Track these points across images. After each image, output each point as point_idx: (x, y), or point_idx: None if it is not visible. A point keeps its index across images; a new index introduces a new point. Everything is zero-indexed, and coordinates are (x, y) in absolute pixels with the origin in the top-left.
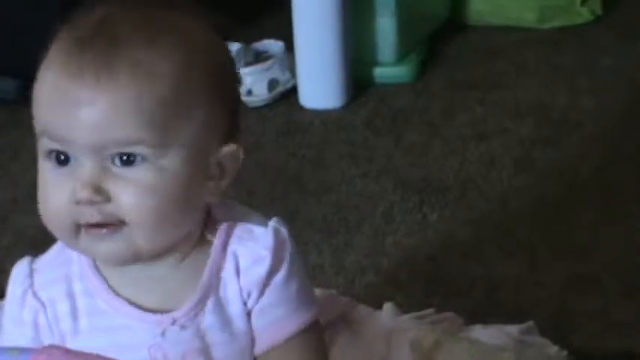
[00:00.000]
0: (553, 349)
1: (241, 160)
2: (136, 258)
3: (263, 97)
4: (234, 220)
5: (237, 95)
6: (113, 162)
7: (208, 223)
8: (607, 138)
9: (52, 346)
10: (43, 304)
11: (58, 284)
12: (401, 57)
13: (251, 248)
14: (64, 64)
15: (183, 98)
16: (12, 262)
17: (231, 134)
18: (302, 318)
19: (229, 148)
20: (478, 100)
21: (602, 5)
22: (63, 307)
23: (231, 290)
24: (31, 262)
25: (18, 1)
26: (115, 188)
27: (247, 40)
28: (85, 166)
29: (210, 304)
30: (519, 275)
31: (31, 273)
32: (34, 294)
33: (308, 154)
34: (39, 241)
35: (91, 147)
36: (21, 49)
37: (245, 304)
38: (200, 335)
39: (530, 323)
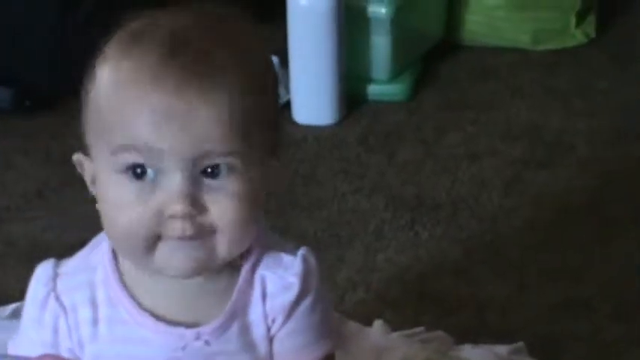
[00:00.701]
0: None
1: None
2: (206, 268)
3: None
4: (265, 245)
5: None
6: (202, 174)
7: None
8: (600, 160)
9: (46, 355)
10: (64, 308)
11: (81, 290)
12: (395, 75)
13: (280, 275)
14: (155, 79)
15: (260, 111)
16: (3, 272)
17: (276, 149)
18: (322, 348)
19: (274, 161)
20: (471, 121)
21: (596, 28)
22: (84, 314)
23: (256, 314)
24: (55, 266)
25: (15, 11)
26: (208, 199)
27: None
28: (175, 179)
29: (236, 325)
30: (509, 296)
31: (54, 276)
32: (57, 298)
33: (300, 169)
34: (30, 251)
35: (187, 160)
36: (17, 58)
37: (269, 329)
38: (222, 355)
39: (520, 344)
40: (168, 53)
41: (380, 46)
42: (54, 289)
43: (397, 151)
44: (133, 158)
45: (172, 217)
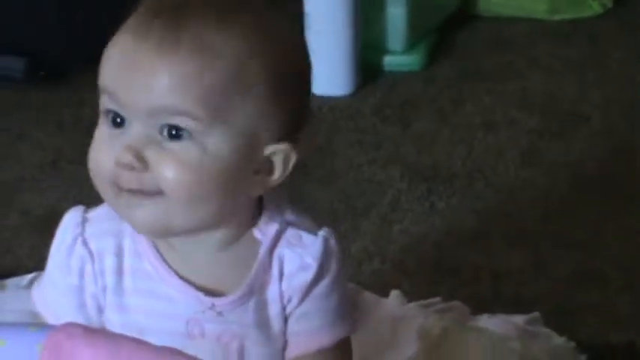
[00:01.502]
0: (559, 339)
1: (293, 162)
2: (168, 231)
3: None
4: (286, 222)
5: (305, 99)
6: (161, 133)
7: (259, 221)
8: (615, 131)
9: (71, 324)
10: (91, 254)
11: (108, 238)
12: (410, 46)
13: (298, 254)
14: (134, 29)
15: (240, 84)
16: (19, 242)
17: (289, 133)
18: (337, 332)
19: (281, 146)
20: (487, 90)
21: None
22: (109, 263)
23: (272, 292)
24: (84, 212)
25: None
26: (155, 158)
27: None
28: (132, 131)
29: (253, 301)
30: (524, 266)
31: (83, 222)
32: (84, 242)
33: (318, 137)
34: (45, 221)
35: (143, 111)
36: (29, 28)
37: (284, 308)
38: (237, 325)
39: (536, 314)
40: (152, 9)
41: (395, 17)
42: (82, 233)
43: (413, 121)
44: (107, 103)
45: (121, 166)
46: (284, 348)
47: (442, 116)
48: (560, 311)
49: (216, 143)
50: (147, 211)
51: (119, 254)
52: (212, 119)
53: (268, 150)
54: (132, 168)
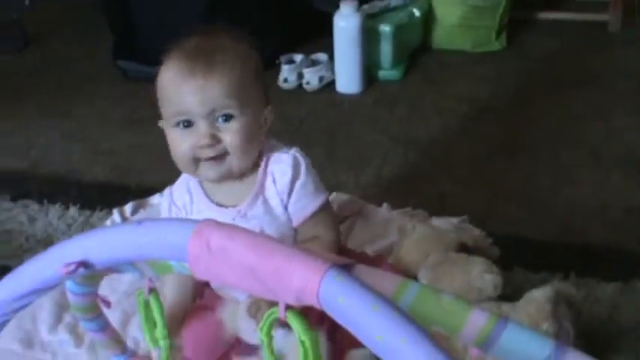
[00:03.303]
0: (477, 231)
1: (273, 117)
2: (230, 175)
3: (315, 86)
4: (272, 151)
5: (265, 83)
6: (217, 121)
7: (260, 156)
8: (509, 116)
9: (209, 219)
10: (178, 207)
11: (183, 195)
12: (394, 65)
13: (281, 167)
14: (181, 68)
15: (247, 81)
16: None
17: (267, 102)
18: (317, 202)
19: (267, 109)
20: (438, 92)
21: (507, 40)
22: (187, 204)
23: (271, 192)
24: (171, 187)
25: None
26: (221, 135)
27: (307, 52)
28: (202, 126)
29: (259, 201)
30: (457, 191)
31: (171, 193)
32: (174, 203)
33: (340, 119)
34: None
35: (204, 114)
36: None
37: (282, 200)
38: (255, 219)
39: (465, 217)
40: (192, 58)
41: (386, 49)
42: (172, 200)
43: (395, 109)
44: (178, 117)
45: (202, 147)
46: (290, 222)
47: (412, 106)
48: (480, 215)
49: (248, 116)
50: (217, 169)
51: (190, 199)
52: (242, 105)
53: (264, 112)
54: (211, 145)
